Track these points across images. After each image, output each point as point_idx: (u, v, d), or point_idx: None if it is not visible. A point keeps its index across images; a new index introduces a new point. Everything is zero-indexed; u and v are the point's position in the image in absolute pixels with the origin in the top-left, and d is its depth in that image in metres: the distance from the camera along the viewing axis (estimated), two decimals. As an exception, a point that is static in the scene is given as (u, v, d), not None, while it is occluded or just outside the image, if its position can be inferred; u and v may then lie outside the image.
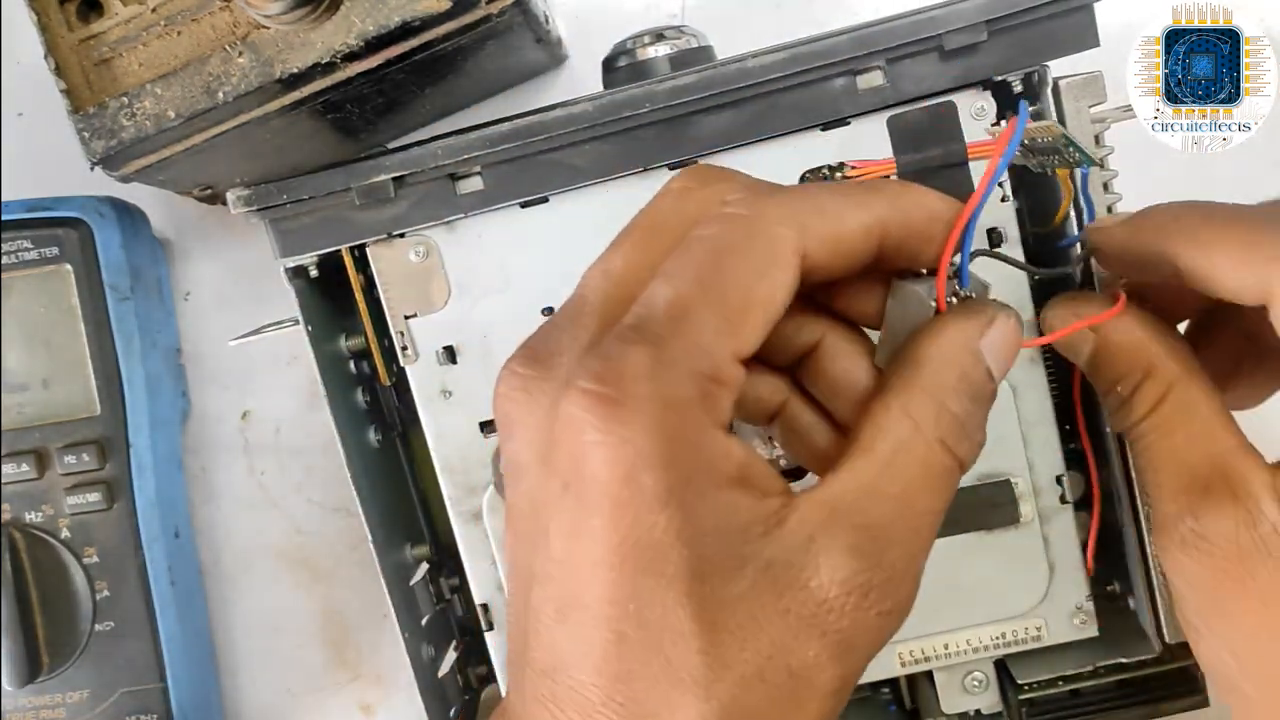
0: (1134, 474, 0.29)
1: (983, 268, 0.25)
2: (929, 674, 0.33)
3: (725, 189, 0.23)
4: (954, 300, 0.23)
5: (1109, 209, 0.29)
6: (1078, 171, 0.28)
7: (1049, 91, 0.29)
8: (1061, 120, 0.29)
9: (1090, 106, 0.29)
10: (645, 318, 0.21)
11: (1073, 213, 0.28)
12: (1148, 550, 0.30)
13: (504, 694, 0.23)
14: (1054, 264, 0.31)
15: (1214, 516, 0.23)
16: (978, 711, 0.33)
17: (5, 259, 0.37)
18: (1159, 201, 0.37)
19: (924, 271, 0.24)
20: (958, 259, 0.23)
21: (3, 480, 0.37)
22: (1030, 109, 0.26)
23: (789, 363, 0.25)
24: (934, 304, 0.23)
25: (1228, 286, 0.23)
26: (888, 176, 0.29)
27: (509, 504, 0.23)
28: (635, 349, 0.20)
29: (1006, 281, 0.31)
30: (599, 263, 0.24)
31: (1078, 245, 0.29)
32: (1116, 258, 0.27)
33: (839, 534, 0.21)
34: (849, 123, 0.30)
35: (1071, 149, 0.26)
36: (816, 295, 0.24)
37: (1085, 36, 0.29)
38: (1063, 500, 0.31)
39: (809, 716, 0.21)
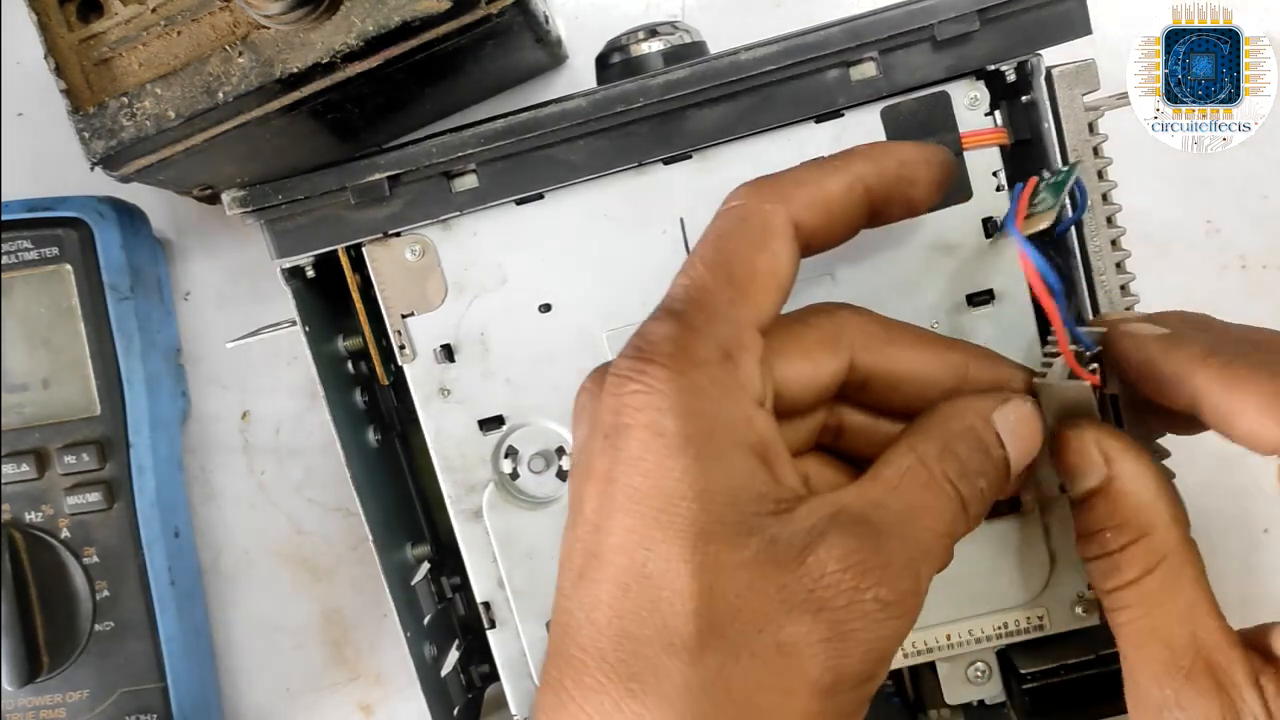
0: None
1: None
2: (931, 665, 0.33)
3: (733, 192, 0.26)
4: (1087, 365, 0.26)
5: (1104, 197, 0.29)
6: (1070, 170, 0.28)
7: (1042, 80, 0.29)
8: (1054, 108, 0.29)
9: (1084, 94, 0.29)
10: (669, 301, 0.24)
11: (1066, 200, 0.28)
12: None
13: None
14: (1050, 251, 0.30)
15: (1199, 706, 0.23)
16: (981, 702, 0.33)
17: (5, 259, 0.37)
18: (1159, 197, 0.37)
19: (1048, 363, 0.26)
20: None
21: (3, 480, 0.37)
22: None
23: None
24: (1078, 380, 0.26)
25: (1243, 429, 0.23)
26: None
27: (569, 501, 0.24)
28: (663, 323, 0.23)
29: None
30: None
31: (1073, 229, 0.29)
32: (1136, 366, 0.26)
33: (841, 525, 0.22)
34: (843, 114, 0.30)
35: (1052, 183, 0.27)
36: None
37: (1077, 24, 0.29)
38: (1062, 489, 0.31)
39: (797, 708, 0.21)
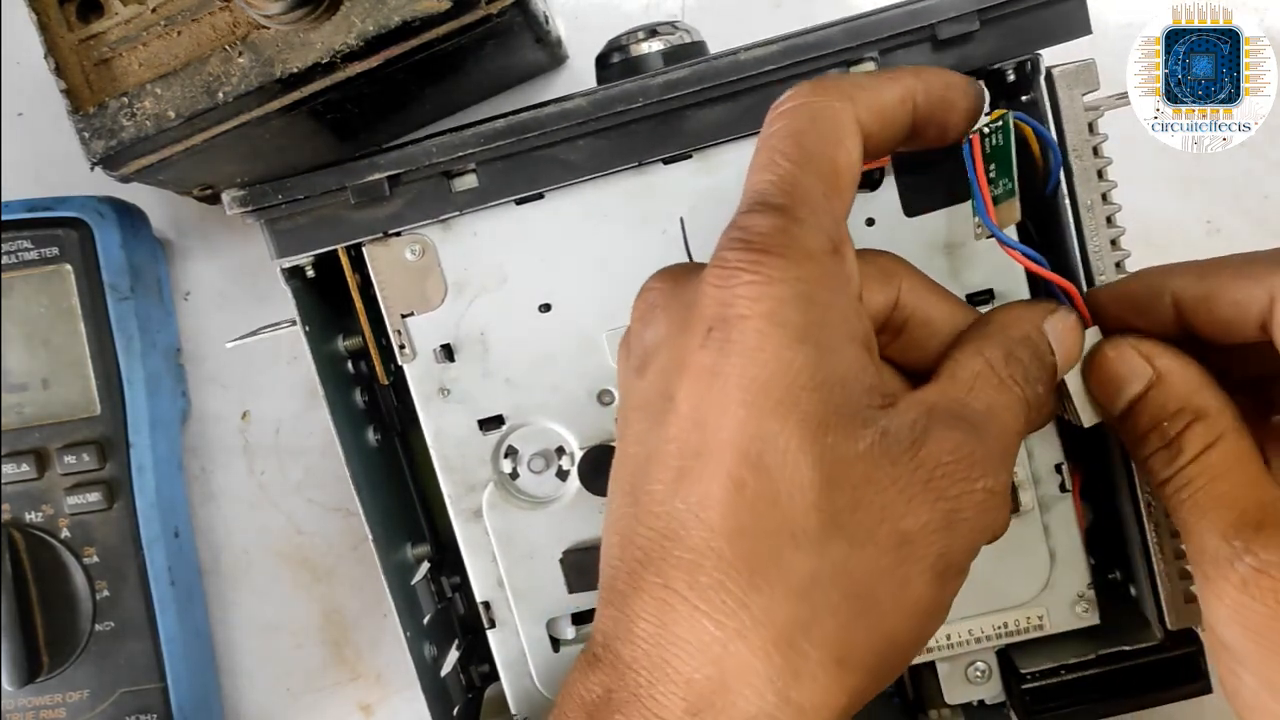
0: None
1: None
2: (931, 664, 0.33)
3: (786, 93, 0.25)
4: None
5: (1103, 196, 0.29)
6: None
7: (1041, 80, 0.29)
8: (1055, 107, 0.29)
9: (1083, 94, 0.29)
10: (762, 195, 0.23)
11: (1054, 147, 0.28)
12: (1148, 538, 0.30)
13: (594, 634, 0.24)
14: (1047, 213, 0.30)
15: (1274, 547, 0.23)
16: (981, 702, 0.33)
17: (5, 259, 0.37)
18: (1159, 197, 0.37)
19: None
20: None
21: (3, 480, 0.37)
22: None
23: None
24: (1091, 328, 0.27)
25: (1228, 299, 0.24)
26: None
27: (633, 403, 0.24)
28: (767, 215, 0.23)
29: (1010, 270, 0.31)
30: None
31: (1062, 180, 0.29)
32: (1115, 301, 0.27)
33: (941, 419, 0.23)
34: (843, 114, 0.30)
35: (997, 145, 0.27)
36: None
37: (1077, 24, 0.29)
38: (1062, 489, 0.31)
39: (912, 596, 0.22)
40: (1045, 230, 0.31)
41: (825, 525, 0.21)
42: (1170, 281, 0.26)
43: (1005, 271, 0.31)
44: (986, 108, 0.28)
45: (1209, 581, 0.24)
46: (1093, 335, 0.27)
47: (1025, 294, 0.31)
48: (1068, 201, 0.29)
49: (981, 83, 0.27)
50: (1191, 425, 0.25)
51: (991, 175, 0.27)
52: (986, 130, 0.27)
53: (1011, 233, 0.27)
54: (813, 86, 0.25)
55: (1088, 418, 0.27)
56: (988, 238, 0.29)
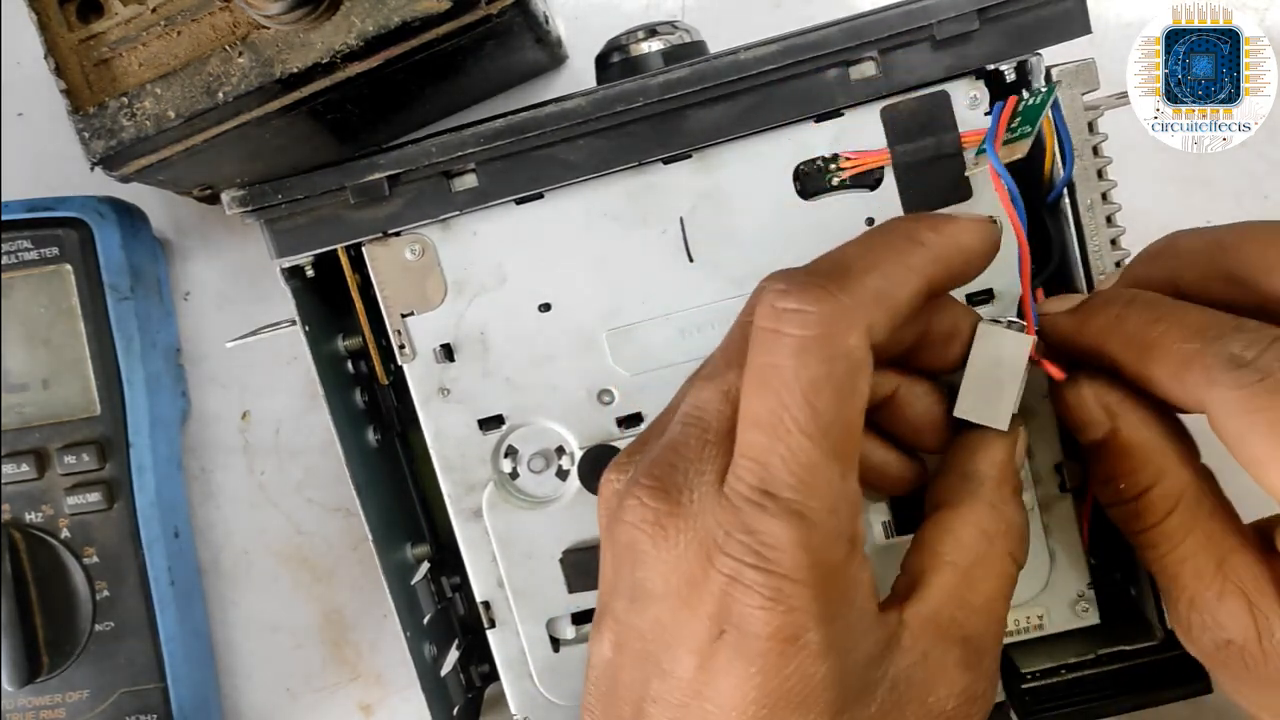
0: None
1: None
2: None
3: (779, 298, 0.22)
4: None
5: (1103, 196, 0.29)
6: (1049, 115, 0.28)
7: (1041, 80, 0.29)
8: (1055, 108, 0.29)
9: (1083, 94, 0.29)
10: (771, 483, 0.22)
11: (1058, 156, 0.28)
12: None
13: None
14: (1046, 218, 0.31)
15: (1236, 626, 0.24)
16: (980, 702, 0.33)
17: (5, 259, 0.37)
18: (1159, 197, 0.37)
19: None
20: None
21: (3, 480, 0.37)
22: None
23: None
24: (1021, 330, 0.26)
25: (1165, 396, 0.24)
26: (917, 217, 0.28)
27: (625, 622, 0.24)
28: (780, 523, 0.21)
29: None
30: (714, 381, 0.24)
31: (1065, 191, 0.29)
32: (1061, 346, 0.27)
33: (949, 649, 0.23)
34: (842, 114, 0.30)
35: (1031, 104, 0.27)
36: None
37: (1077, 23, 0.29)
38: (1062, 488, 0.31)
39: None
40: (1045, 229, 0.31)
41: None
42: (1112, 354, 0.25)
43: (1004, 272, 0.31)
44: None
45: (1189, 643, 0.25)
46: (1017, 341, 0.26)
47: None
48: (1068, 201, 0.29)
49: (999, 226, 0.26)
50: (1149, 491, 0.25)
51: (1013, 125, 0.27)
52: (1026, 95, 0.27)
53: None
54: (823, 304, 0.22)
55: (962, 407, 0.26)
56: (978, 170, 0.29)
